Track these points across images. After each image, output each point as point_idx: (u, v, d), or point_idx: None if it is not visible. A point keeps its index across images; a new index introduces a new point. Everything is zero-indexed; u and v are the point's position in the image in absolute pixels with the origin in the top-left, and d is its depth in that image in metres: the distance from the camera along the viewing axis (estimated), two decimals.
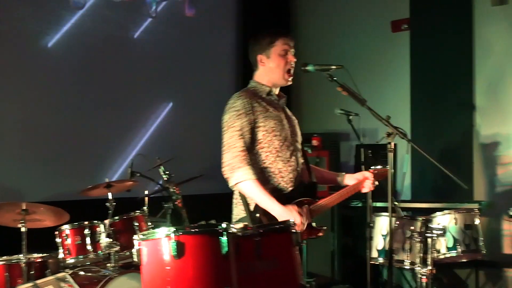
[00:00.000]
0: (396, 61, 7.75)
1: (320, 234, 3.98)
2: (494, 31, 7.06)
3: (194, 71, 7.56)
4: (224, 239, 3.02)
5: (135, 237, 3.07)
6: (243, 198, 3.82)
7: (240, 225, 3.41)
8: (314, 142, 6.94)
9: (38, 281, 4.40)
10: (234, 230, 3.14)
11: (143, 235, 3.04)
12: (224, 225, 3.05)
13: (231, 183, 3.80)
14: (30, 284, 4.26)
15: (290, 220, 3.41)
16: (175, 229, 2.96)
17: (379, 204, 5.91)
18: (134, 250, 3.06)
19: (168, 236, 2.97)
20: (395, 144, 4.19)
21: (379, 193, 4.78)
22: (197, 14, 7.64)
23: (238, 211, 3.92)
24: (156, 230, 3.01)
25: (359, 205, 6.98)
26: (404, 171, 5.04)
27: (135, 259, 3.06)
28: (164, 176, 5.52)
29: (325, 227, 4.04)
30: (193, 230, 3.01)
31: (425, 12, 7.48)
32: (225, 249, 3.02)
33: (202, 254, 2.99)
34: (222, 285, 2.97)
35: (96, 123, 6.64)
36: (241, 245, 3.14)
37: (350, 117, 5.26)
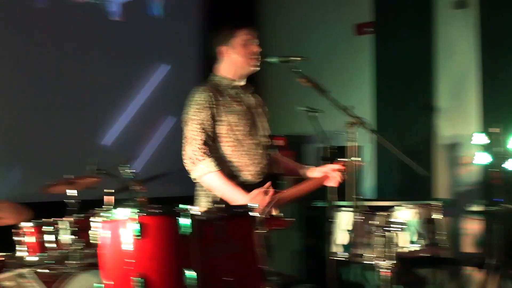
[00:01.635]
0: (360, 64, 7.83)
1: (288, 225, 3.98)
2: (455, 34, 7.19)
3: (156, 68, 7.57)
4: (185, 220, 3.03)
5: (96, 218, 3.05)
6: (204, 191, 3.83)
7: (203, 201, 3.43)
8: (279, 142, 6.96)
9: None
10: (196, 213, 3.14)
11: (103, 217, 3.03)
12: (186, 206, 3.06)
13: (193, 175, 3.81)
14: None
15: (251, 204, 3.42)
16: (136, 210, 2.96)
17: (341, 203, 5.95)
18: (94, 232, 3.04)
19: (129, 217, 2.97)
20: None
21: (341, 191, 4.82)
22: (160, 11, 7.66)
23: (199, 204, 3.92)
24: (117, 211, 3.00)
25: (324, 205, 7.01)
26: (367, 161, 5.08)
27: (96, 241, 3.04)
28: (129, 175, 5.48)
29: (293, 219, 4.05)
30: (154, 211, 3.01)
31: (388, 16, 7.59)
32: (186, 230, 3.02)
33: (164, 235, 3.00)
34: (183, 266, 2.97)
35: (59, 120, 6.62)
36: (202, 229, 3.14)
37: (313, 114, 5.27)
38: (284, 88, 8.03)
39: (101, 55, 7.06)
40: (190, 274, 2.96)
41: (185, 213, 3.04)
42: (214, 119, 3.86)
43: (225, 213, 3.27)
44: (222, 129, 3.89)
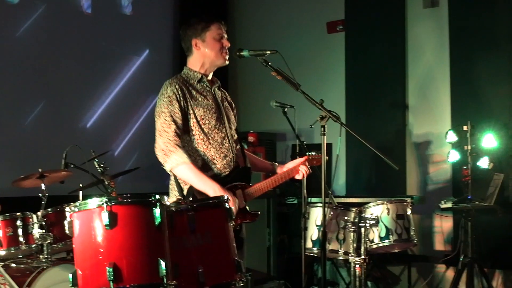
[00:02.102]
0: (331, 61, 7.88)
1: (255, 218, 4.01)
2: (425, 33, 7.26)
3: (130, 64, 7.57)
4: (157, 210, 3.02)
5: (66, 209, 3.03)
6: (177, 183, 3.83)
7: (174, 199, 3.42)
8: (250, 138, 6.97)
9: None
10: (168, 204, 3.14)
11: (75, 206, 3.00)
12: (157, 196, 3.05)
13: (167, 167, 3.82)
14: None
15: (224, 196, 3.42)
16: (107, 199, 2.95)
17: (314, 200, 5.96)
18: (65, 222, 3.02)
19: (100, 206, 2.95)
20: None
21: (314, 187, 4.85)
22: (133, 8, 7.64)
23: (173, 196, 3.92)
24: (88, 201, 2.98)
25: (295, 201, 7.06)
26: (337, 153, 5.11)
27: (67, 231, 3.01)
28: (98, 169, 5.46)
29: (259, 212, 4.07)
30: (126, 200, 3.00)
31: (359, 14, 7.64)
32: (158, 220, 3.01)
33: (135, 224, 2.98)
34: (155, 256, 2.96)
35: (30, 114, 6.59)
36: (175, 220, 3.15)
37: (286, 109, 5.29)
38: (255, 85, 8.08)
39: (74, 47, 7.03)
40: (162, 263, 2.95)
41: (157, 203, 3.03)
42: (183, 112, 3.87)
43: (197, 203, 3.26)
44: (190, 122, 3.91)
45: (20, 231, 4.99)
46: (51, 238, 4.91)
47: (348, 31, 7.73)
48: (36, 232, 4.88)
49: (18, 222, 4.99)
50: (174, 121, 3.83)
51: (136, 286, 2.91)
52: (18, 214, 5.01)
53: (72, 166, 5.25)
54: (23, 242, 4.99)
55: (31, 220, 5.02)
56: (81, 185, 5.42)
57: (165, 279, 2.95)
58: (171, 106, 3.85)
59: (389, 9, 7.42)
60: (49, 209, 5.05)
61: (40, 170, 4.97)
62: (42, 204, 4.94)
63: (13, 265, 4.80)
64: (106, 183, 5.42)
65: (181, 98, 3.89)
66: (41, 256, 4.88)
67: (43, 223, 4.92)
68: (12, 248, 4.98)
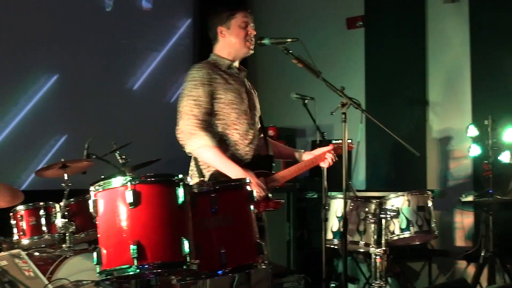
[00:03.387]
0: (351, 57, 7.87)
1: (279, 206, 3.98)
2: (446, 28, 7.24)
3: (150, 59, 7.65)
4: (180, 190, 3.04)
5: (91, 188, 3.05)
6: (198, 167, 3.84)
7: (196, 180, 3.43)
8: (270, 132, 6.96)
9: None
10: (190, 183, 3.16)
11: (99, 185, 3.03)
12: (180, 176, 3.07)
13: (187, 149, 3.81)
14: None
15: (246, 178, 3.43)
16: (131, 178, 2.97)
17: (334, 193, 5.96)
18: (90, 201, 3.04)
19: (124, 185, 2.97)
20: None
21: (334, 180, 4.85)
22: (152, 3, 7.72)
23: (193, 180, 3.93)
24: (112, 179, 3.00)
25: (315, 196, 7.05)
26: (358, 140, 5.10)
27: (91, 210, 3.04)
28: (120, 160, 5.49)
29: (283, 200, 4.05)
30: (149, 179, 3.01)
31: (379, 9, 7.63)
32: (181, 199, 3.03)
33: (158, 203, 2.99)
34: (178, 235, 2.98)
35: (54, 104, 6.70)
36: (197, 201, 3.16)
37: (306, 101, 5.29)
38: (275, 80, 8.10)
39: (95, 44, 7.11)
40: (185, 242, 2.97)
41: (180, 182, 3.05)
42: (210, 96, 3.88)
43: (219, 185, 3.28)
44: (216, 106, 3.90)
45: (43, 221, 5.07)
46: (73, 227, 4.97)
47: (367, 27, 7.73)
48: (59, 221, 4.94)
49: (41, 212, 5.06)
50: (198, 104, 3.83)
51: (159, 264, 2.93)
52: (41, 203, 5.09)
53: (94, 157, 5.29)
54: (46, 231, 5.08)
55: (53, 209, 5.10)
56: (102, 177, 5.46)
57: (188, 258, 2.96)
58: (196, 89, 3.86)
59: (409, 5, 7.42)
60: (71, 199, 5.11)
61: (62, 160, 5.02)
62: (65, 194, 5.00)
63: (36, 253, 4.87)
64: (127, 174, 5.47)
65: (210, 82, 3.89)
66: (63, 245, 4.94)
67: (66, 212, 4.97)
68: (35, 237, 5.07)
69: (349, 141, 4.44)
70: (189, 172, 3.97)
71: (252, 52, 4.12)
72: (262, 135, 4.22)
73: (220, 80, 3.95)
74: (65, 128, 6.80)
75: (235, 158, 3.90)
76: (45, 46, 6.68)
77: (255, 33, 4.09)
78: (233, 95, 3.96)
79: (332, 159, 4.30)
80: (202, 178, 3.78)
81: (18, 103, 6.48)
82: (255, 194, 3.57)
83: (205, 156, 3.78)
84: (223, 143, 3.90)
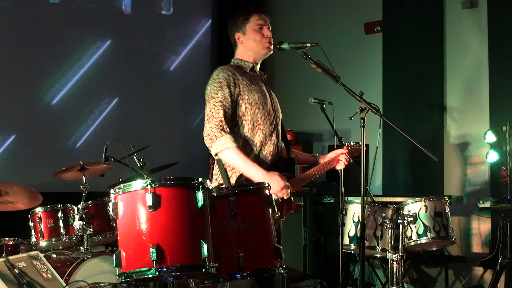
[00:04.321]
0: (369, 63, 7.87)
1: (299, 208, 3.99)
2: (464, 34, 7.22)
3: (168, 63, 7.69)
4: (200, 193, 3.05)
5: (111, 190, 3.07)
6: (223, 172, 3.86)
7: (215, 184, 3.44)
8: (288, 137, 6.95)
9: (11, 257, 4.36)
10: (210, 188, 3.17)
11: (119, 188, 3.04)
12: (200, 179, 3.08)
13: (212, 152, 3.84)
14: (2, 260, 4.23)
15: (265, 183, 3.44)
16: (151, 181, 2.98)
17: (351, 198, 5.96)
18: (110, 204, 3.06)
19: (144, 188, 2.98)
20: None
21: (351, 185, 4.85)
22: (172, 7, 7.75)
23: (218, 180, 3.94)
24: (132, 182, 3.02)
25: (331, 200, 7.05)
26: (377, 145, 5.10)
27: (111, 213, 3.05)
28: (138, 163, 5.52)
29: (302, 203, 4.07)
30: (169, 183, 3.02)
31: (397, 15, 7.62)
32: (200, 203, 3.04)
33: (178, 206, 3.00)
34: (197, 238, 2.99)
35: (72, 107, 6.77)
36: (216, 204, 3.17)
37: (324, 105, 5.30)
38: (293, 85, 8.09)
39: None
40: (204, 245, 2.97)
41: (199, 186, 3.06)
42: (233, 98, 3.90)
43: (238, 189, 3.29)
44: (242, 107, 3.93)
45: (61, 223, 5.09)
46: (91, 230, 4.99)
47: (385, 32, 7.73)
48: (77, 223, 4.96)
49: (59, 214, 5.09)
50: (223, 106, 3.85)
51: (178, 267, 2.94)
52: (59, 206, 5.12)
53: (112, 159, 5.32)
54: (64, 233, 5.11)
55: (71, 212, 5.12)
56: (120, 180, 5.49)
57: (207, 261, 2.97)
58: (221, 91, 3.88)
59: (427, 10, 7.40)
60: (89, 202, 5.14)
61: (81, 162, 5.05)
62: (83, 196, 5.02)
63: (54, 256, 4.88)
64: (145, 177, 5.49)
65: (233, 84, 3.91)
66: (81, 248, 4.95)
67: (83, 215, 5.00)
68: (53, 239, 5.09)
69: (352, 143, 4.54)
70: (213, 175, 3.99)
71: (271, 52, 4.14)
72: (283, 137, 4.23)
73: (245, 81, 3.97)
74: (84, 130, 6.84)
75: (259, 160, 3.92)
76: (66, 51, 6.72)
77: (270, 34, 4.11)
78: (258, 96, 3.99)
79: (346, 160, 4.33)
80: (226, 185, 3.79)
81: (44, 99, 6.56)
82: (280, 195, 3.59)
83: (228, 158, 3.79)
84: (247, 145, 3.93)
